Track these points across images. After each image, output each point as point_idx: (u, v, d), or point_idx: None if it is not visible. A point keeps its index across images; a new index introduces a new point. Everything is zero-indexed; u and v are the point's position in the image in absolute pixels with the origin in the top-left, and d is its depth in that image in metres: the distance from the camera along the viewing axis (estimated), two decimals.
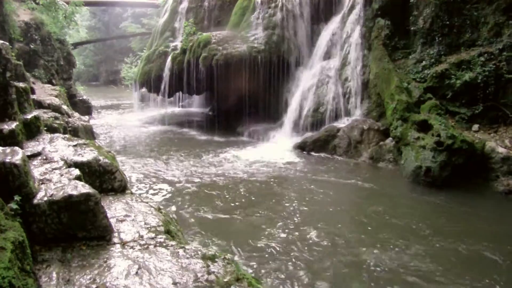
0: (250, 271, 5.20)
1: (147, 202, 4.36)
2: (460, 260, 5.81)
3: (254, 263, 5.51)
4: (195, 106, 24.49)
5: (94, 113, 20.98)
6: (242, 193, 8.52)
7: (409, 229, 6.81)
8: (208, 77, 15.09)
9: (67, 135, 5.92)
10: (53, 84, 14.63)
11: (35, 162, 4.21)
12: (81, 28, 34.55)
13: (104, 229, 3.43)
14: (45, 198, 3.25)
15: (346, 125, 12.02)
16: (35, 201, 3.22)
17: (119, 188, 4.60)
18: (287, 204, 7.96)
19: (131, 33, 38.12)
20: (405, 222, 7.08)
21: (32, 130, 5.33)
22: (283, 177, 9.80)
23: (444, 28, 10.98)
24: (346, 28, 13.30)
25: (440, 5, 10.93)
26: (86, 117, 12.48)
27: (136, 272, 2.95)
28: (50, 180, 3.63)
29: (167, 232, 3.76)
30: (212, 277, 2.94)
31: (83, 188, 3.40)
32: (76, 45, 29.06)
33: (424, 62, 11.19)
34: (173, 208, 7.44)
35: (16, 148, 3.41)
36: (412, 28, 11.83)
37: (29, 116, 5.32)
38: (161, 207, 4.58)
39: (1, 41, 4.78)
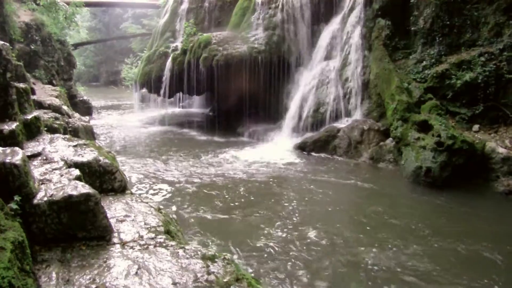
0: (250, 270, 5.20)
1: (147, 203, 4.36)
2: (459, 260, 5.81)
3: (253, 263, 5.52)
4: (196, 106, 24.51)
5: (95, 113, 20.99)
6: (242, 193, 8.52)
7: (408, 229, 6.81)
8: (208, 78, 15.09)
9: (67, 136, 5.92)
10: (53, 85, 14.64)
11: (35, 163, 4.21)
12: (82, 29, 34.53)
13: (104, 229, 3.43)
14: (45, 198, 3.25)
15: (347, 126, 12.02)
16: (35, 201, 3.22)
17: (119, 188, 4.60)
18: (286, 204, 7.96)
19: (131, 33, 38.16)
20: (405, 222, 7.08)
21: (32, 130, 5.33)
22: (283, 178, 9.80)
23: (445, 28, 10.98)
24: (346, 29, 13.31)
25: (441, 5, 10.93)
26: (86, 118, 12.48)
27: (136, 272, 2.95)
28: (50, 180, 3.64)
29: (167, 232, 3.76)
30: (212, 277, 2.94)
31: (83, 188, 3.41)
32: (76, 45, 29.08)
33: (424, 62, 11.19)
34: (173, 208, 7.45)
35: (16, 148, 3.41)
36: (412, 28, 11.84)
37: (29, 117, 5.33)
38: (161, 207, 4.58)
39: (2, 42, 4.79)
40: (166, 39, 18.47)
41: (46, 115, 7.73)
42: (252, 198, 8.25)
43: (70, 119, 9.49)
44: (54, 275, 2.86)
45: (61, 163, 4.15)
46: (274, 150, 12.38)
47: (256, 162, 11.00)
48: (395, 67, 11.54)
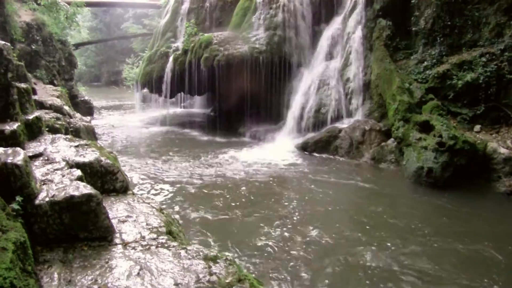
0: (250, 270, 5.20)
1: (148, 203, 4.36)
2: (460, 260, 5.81)
3: (254, 262, 5.54)
4: (197, 106, 24.52)
5: (96, 113, 21.00)
6: (243, 193, 8.52)
7: (409, 229, 6.81)
8: (209, 78, 15.09)
9: (68, 136, 5.92)
10: (54, 85, 14.64)
11: (36, 163, 4.21)
12: (83, 29, 34.53)
13: (105, 230, 3.42)
14: (47, 199, 3.25)
15: (348, 126, 12.01)
16: (37, 201, 3.22)
17: (121, 188, 4.59)
18: (287, 204, 7.96)
19: (132, 33, 38.18)
20: (405, 223, 7.07)
21: (33, 130, 5.32)
22: (284, 178, 9.79)
23: (446, 28, 10.97)
24: (347, 29, 13.30)
25: (442, 6, 10.91)
26: (87, 118, 12.50)
27: (138, 273, 2.94)
28: (51, 181, 3.63)
29: (169, 233, 3.76)
30: (214, 278, 2.93)
31: (85, 188, 3.40)
32: (77, 45, 29.08)
33: (425, 63, 11.18)
34: (175, 208, 7.46)
35: (18, 148, 3.41)
36: (413, 29, 11.82)
37: (30, 117, 5.32)
38: (163, 207, 4.58)
39: (3, 42, 4.78)
40: (167, 39, 18.48)
41: (47, 115, 7.73)
42: (252, 198, 8.25)
43: (71, 119, 9.49)
44: (56, 275, 2.86)
45: (63, 164, 4.15)
46: (275, 151, 12.37)
47: (257, 163, 10.99)
48: (396, 68, 11.53)
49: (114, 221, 3.67)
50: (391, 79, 11.18)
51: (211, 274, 2.98)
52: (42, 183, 3.58)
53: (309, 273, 5.28)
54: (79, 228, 3.32)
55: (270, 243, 6.11)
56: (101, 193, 3.72)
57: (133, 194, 4.72)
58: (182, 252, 3.28)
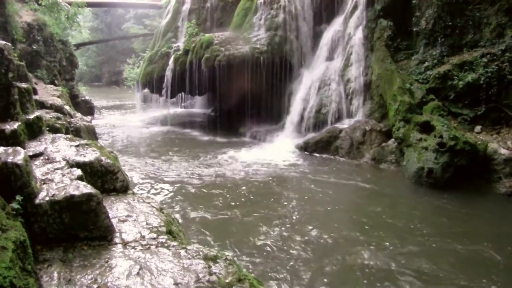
0: (250, 269, 5.20)
1: (149, 203, 4.35)
2: (458, 260, 5.80)
3: (253, 262, 5.54)
4: (198, 107, 24.53)
5: (96, 113, 21.03)
6: (243, 193, 8.52)
7: (408, 230, 6.81)
8: (210, 78, 15.10)
9: (69, 135, 5.92)
10: (55, 85, 14.66)
11: (37, 162, 4.21)
12: (84, 29, 34.54)
13: (105, 229, 3.42)
14: (47, 198, 3.25)
15: (349, 126, 12.01)
16: (37, 201, 3.22)
17: (121, 188, 4.59)
18: (287, 204, 7.96)
19: (133, 34, 38.25)
20: (404, 223, 7.07)
21: (34, 130, 5.33)
22: (284, 178, 9.79)
23: (447, 29, 10.96)
24: (348, 29, 13.30)
25: (443, 6, 10.91)
26: (88, 118, 12.50)
27: (138, 273, 2.94)
28: (52, 180, 3.63)
29: (169, 232, 3.76)
30: (214, 278, 2.93)
31: (85, 188, 3.40)
32: (78, 46, 29.10)
33: (426, 63, 11.17)
34: (175, 208, 7.46)
35: (18, 148, 3.41)
36: (414, 29, 11.82)
37: (31, 117, 5.33)
38: (163, 207, 4.58)
39: (4, 42, 4.78)
40: (168, 39, 18.50)
41: (48, 115, 7.74)
42: (252, 198, 8.25)
43: (72, 119, 9.50)
44: (55, 274, 2.86)
45: (63, 163, 4.15)
46: (276, 151, 12.37)
47: (258, 163, 10.99)
48: (397, 68, 11.52)
49: (114, 221, 3.67)
50: (392, 80, 11.18)
51: (211, 274, 2.98)
52: (42, 182, 3.58)
53: (308, 273, 5.29)
54: (79, 228, 3.32)
55: (269, 243, 6.12)
56: (101, 192, 3.72)
57: (133, 193, 4.72)
58: (182, 252, 3.28)
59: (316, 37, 14.83)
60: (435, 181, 8.87)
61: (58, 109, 9.29)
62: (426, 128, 9.72)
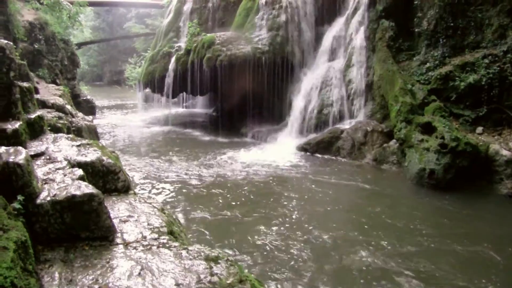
0: (250, 269, 5.20)
1: (150, 203, 4.35)
2: (458, 260, 5.80)
3: (253, 261, 5.55)
4: (199, 106, 24.55)
5: (98, 113, 21.05)
6: (243, 193, 8.51)
7: (408, 230, 6.80)
8: (212, 78, 15.10)
9: (70, 135, 5.91)
10: (57, 84, 14.67)
11: (38, 162, 4.21)
12: (85, 28, 34.65)
13: (107, 230, 3.42)
14: (48, 198, 3.25)
15: (350, 127, 12.00)
16: (38, 201, 3.22)
17: (123, 188, 4.59)
18: (287, 204, 7.96)
19: (135, 33, 38.29)
20: (404, 223, 7.06)
21: (35, 129, 5.32)
22: (285, 178, 9.78)
23: (448, 29, 10.94)
24: (350, 30, 13.29)
25: (444, 7, 10.89)
26: (89, 117, 12.48)
27: (139, 273, 2.94)
28: (53, 180, 3.63)
29: (170, 233, 3.75)
30: (215, 278, 2.93)
31: (87, 188, 3.40)
32: (80, 45, 29.16)
33: (428, 64, 11.15)
34: (176, 208, 7.46)
35: (20, 148, 3.41)
36: (416, 30, 11.80)
37: (32, 116, 5.32)
38: (164, 207, 4.57)
39: (5, 41, 4.79)
40: (170, 39, 18.50)
41: (49, 115, 7.73)
42: (253, 198, 8.25)
43: (73, 119, 9.49)
44: (57, 275, 2.85)
45: (65, 163, 4.15)
46: (277, 151, 12.36)
47: (259, 163, 10.99)
48: (398, 69, 11.51)
49: (115, 221, 3.67)
50: (393, 80, 11.17)
51: (212, 274, 2.98)
52: (44, 182, 3.57)
53: (308, 273, 5.30)
54: (80, 228, 3.32)
55: (269, 242, 6.13)
56: (103, 192, 3.71)
57: (135, 193, 4.71)
58: (183, 253, 3.28)
59: (318, 37, 14.82)
60: (437, 182, 8.85)
61: (59, 108, 9.29)
62: (428, 129, 9.71)
